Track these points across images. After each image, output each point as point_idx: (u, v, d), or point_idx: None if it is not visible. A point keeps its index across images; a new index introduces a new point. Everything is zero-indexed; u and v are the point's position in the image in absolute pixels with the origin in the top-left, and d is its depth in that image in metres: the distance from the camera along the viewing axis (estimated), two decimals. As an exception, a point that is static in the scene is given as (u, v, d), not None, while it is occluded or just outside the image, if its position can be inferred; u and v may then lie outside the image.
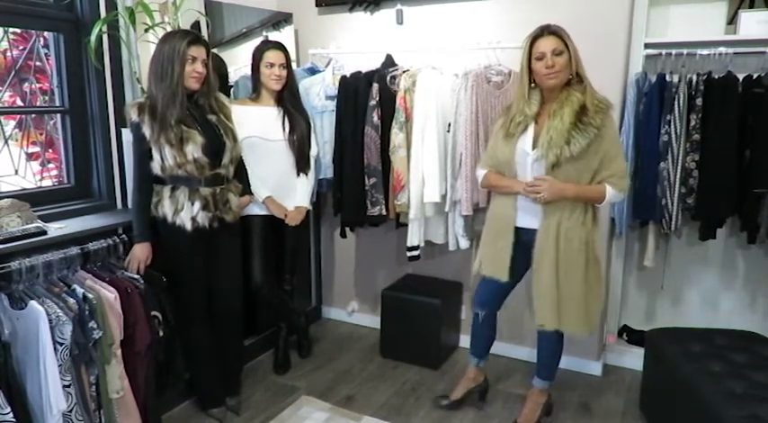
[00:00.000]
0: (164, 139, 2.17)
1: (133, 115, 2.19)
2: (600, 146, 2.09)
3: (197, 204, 2.25)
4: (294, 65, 3.04)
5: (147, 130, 2.17)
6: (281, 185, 2.76)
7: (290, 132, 2.72)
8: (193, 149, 2.21)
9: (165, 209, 2.24)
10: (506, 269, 2.30)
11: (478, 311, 2.53)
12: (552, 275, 2.18)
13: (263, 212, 2.75)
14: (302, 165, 2.79)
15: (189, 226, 2.25)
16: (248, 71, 2.78)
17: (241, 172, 2.51)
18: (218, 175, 2.32)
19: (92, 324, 1.98)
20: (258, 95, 2.74)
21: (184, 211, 2.24)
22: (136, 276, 2.21)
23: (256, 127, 2.66)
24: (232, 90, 2.99)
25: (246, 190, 2.54)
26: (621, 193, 2.18)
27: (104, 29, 2.43)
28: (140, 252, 2.24)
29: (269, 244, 2.81)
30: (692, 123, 2.61)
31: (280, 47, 2.70)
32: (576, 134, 2.05)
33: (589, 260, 2.19)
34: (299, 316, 3.19)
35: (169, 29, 2.47)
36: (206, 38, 2.44)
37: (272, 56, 2.65)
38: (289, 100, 2.74)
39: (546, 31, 2.10)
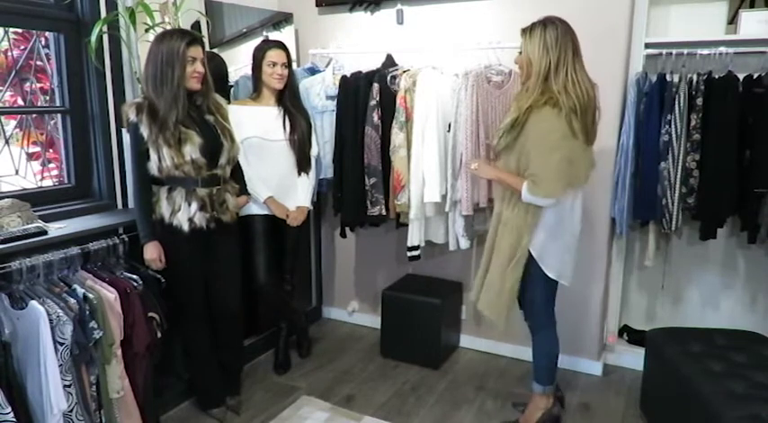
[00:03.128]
0: (162, 140, 2.16)
1: (131, 115, 2.17)
2: (525, 141, 2.10)
3: (194, 205, 2.25)
4: (294, 65, 3.04)
5: (144, 131, 2.16)
6: (282, 185, 2.76)
7: (290, 132, 2.72)
8: (191, 150, 2.20)
9: (162, 210, 2.24)
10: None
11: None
12: (487, 257, 2.34)
13: (264, 212, 2.75)
14: (303, 165, 2.79)
15: (186, 227, 2.24)
16: (248, 71, 2.78)
17: (237, 172, 2.51)
18: (216, 176, 2.32)
19: (92, 324, 1.99)
20: (259, 95, 2.74)
21: (181, 212, 2.24)
22: (134, 277, 2.21)
23: (257, 127, 2.66)
24: (232, 90, 2.99)
25: (243, 190, 2.53)
26: (533, 196, 2.08)
27: (105, 29, 2.43)
28: (152, 250, 2.24)
29: (271, 243, 2.81)
30: (693, 123, 2.61)
31: (282, 46, 2.70)
32: (511, 127, 2.15)
33: (513, 248, 2.20)
34: (301, 316, 3.19)
35: (170, 29, 2.47)
36: (205, 37, 2.44)
37: (274, 55, 2.65)
38: (289, 100, 2.74)
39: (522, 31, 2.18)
